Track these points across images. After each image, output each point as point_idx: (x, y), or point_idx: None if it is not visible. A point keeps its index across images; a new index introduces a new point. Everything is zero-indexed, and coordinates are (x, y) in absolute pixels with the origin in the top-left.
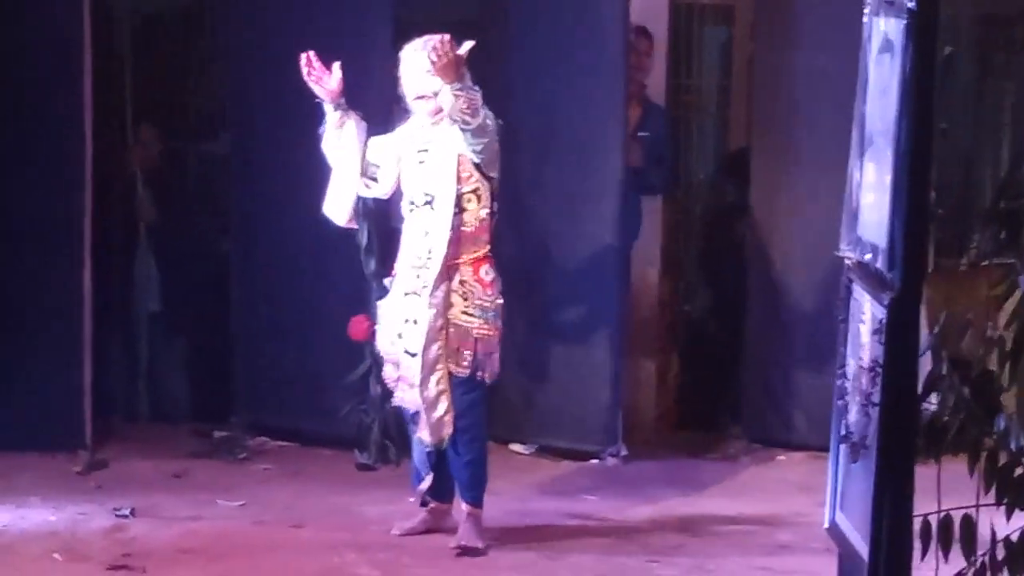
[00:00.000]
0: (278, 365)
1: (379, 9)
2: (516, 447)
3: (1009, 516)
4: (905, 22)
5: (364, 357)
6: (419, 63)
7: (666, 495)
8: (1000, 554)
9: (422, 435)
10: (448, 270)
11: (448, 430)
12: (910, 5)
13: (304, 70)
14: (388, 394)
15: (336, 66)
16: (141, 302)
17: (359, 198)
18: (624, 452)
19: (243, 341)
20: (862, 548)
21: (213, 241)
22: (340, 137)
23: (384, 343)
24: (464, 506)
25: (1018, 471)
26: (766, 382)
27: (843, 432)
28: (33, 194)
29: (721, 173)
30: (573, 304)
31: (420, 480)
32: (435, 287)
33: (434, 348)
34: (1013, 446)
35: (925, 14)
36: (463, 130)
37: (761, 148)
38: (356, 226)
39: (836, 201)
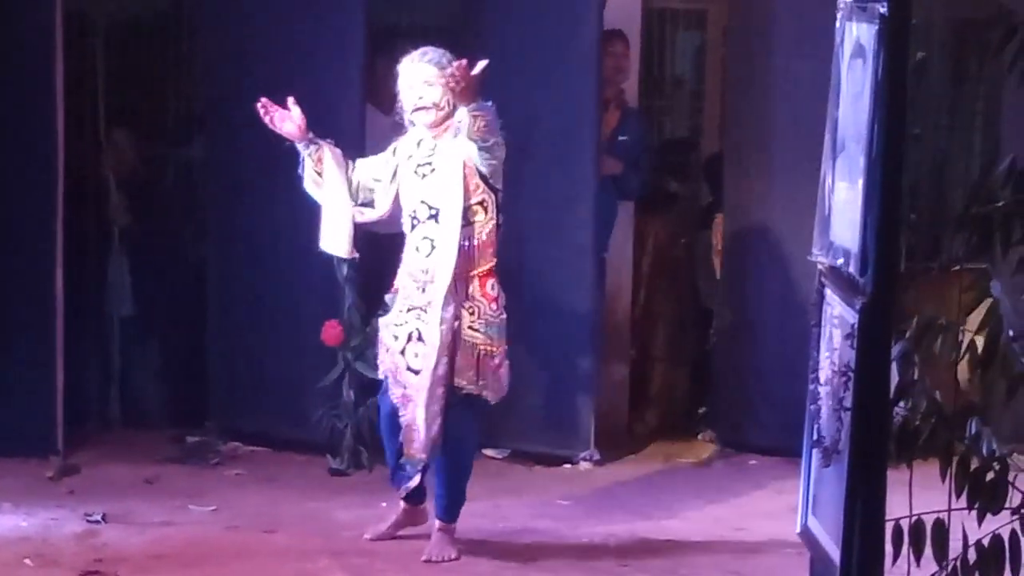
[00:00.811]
0: (251, 370)
1: (353, 15)
2: (489, 452)
3: (981, 520)
4: (877, 27)
5: (337, 362)
6: (417, 74)
7: (639, 500)
8: (972, 558)
9: (414, 451)
10: (456, 284)
11: (438, 445)
12: (882, 10)
13: (264, 118)
14: (361, 400)
15: (291, 101)
16: (114, 306)
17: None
18: (597, 457)
19: (216, 346)
20: (834, 552)
21: (188, 246)
22: (322, 172)
23: (386, 361)
24: (439, 521)
25: (989, 475)
26: (739, 387)
27: (815, 436)
28: (4, 198)
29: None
30: (548, 309)
31: (400, 478)
32: (446, 302)
33: (443, 364)
34: (984, 450)
35: (897, 19)
36: (480, 148)
37: (733, 153)
38: (358, 255)
39: (809, 206)
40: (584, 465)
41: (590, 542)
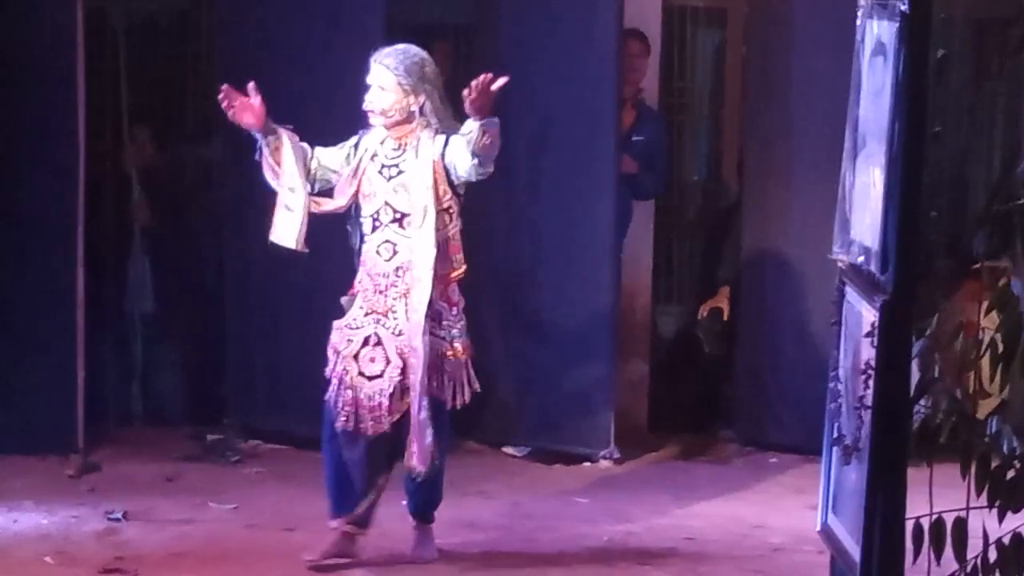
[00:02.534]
0: (271, 368)
1: (373, 13)
2: (509, 450)
3: (1001, 519)
4: (898, 25)
5: None
6: (374, 76)
7: (659, 498)
8: (992, 556)
9: (412, 464)
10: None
11: (431, 457)
12: (903, 8)
13: (223, 105)
14: None
15: (251, 88)
16: (135, 304)
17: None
18: (617, 455)
19: (236, 343)
20: (854, 550)
21: (207, 244)
22: (280, 162)
23: (336, 366)
24: (416, 522)
25: (1010, 474)
26: (759, 385)
27: (836, 435)
28: (27, 196)
29: (718, 174)
30: (566, 307)
31: (341, 502)
32: (414, 308)
33: (413, 373)
34: (1005, 449)
35: (918, 17)
36: (475, 157)
37: (754, 151)
38: (308, 250)
39: (829, 204)
40: (604, 463)
41: (610, 540)
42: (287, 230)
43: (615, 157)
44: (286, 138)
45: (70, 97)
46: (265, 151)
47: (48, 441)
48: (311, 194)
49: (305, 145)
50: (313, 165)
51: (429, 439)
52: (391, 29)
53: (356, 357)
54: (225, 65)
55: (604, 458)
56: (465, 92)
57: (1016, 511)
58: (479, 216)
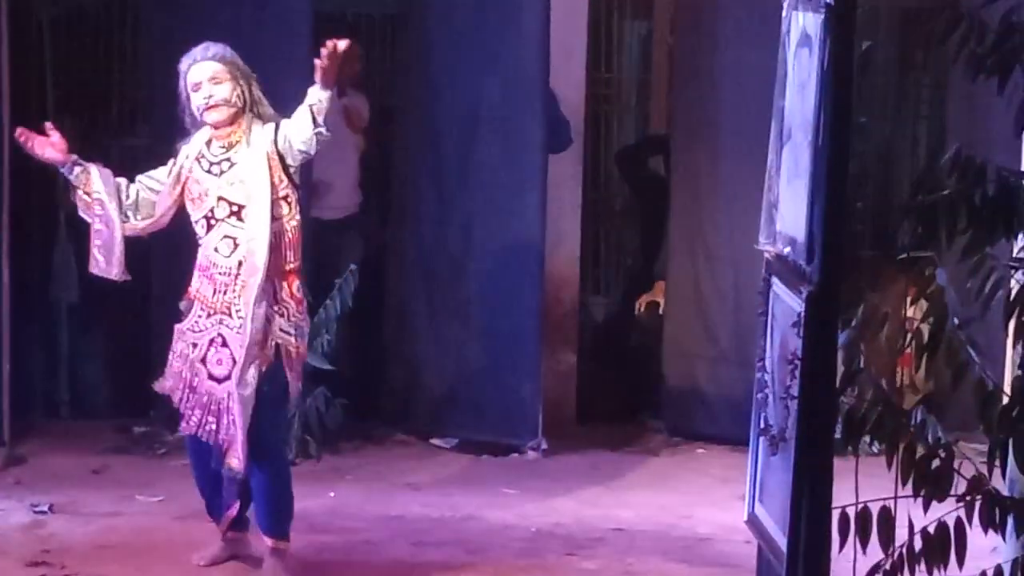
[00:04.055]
0: None
1: (298, 3)
2: (437, 441)
3: (927, 508)
4: (823, 16)
5: None
6: (203, 72)
7: (587, 489)
8: (918, 545)
9: (232, 463)
10: (265, 282)
11: (243, 454)
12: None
13: (22, 143)
14: (308, 389)
15: (48, 127)
16: (60, 293)
17: None
18: (545, 446)
19: (162, 334)
20: (781, 540)
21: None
22: (91, 194)
23: (181, 374)
24: (269, 541)
25: (935, 463)
26: (687, 374)
27: (762, 425)
28: None
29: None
30: (495, 297)
31: (214, 506)
32: (258, 302)
33: (252, 369)
34: (930, 438)
35: (843, 8)
36: (316, 133)
37: (681, 141)
38: (130, 277)
39: (756, 195)
40: (531, 454)
41: (538, 531)
42: (105, 262)
43: (543, 148)
44: (95, 170)
45: None
46: (74, 181)
47: None
48: (138, 220)
49: (121, 179)
50: (132, 193)
51: (241, 429)
52: (318, 19)
53: (204, 361)
54: (149, 55)
55: (532, 449)
56: (317, 60)
57: (941, 500)
58: (409, 206)
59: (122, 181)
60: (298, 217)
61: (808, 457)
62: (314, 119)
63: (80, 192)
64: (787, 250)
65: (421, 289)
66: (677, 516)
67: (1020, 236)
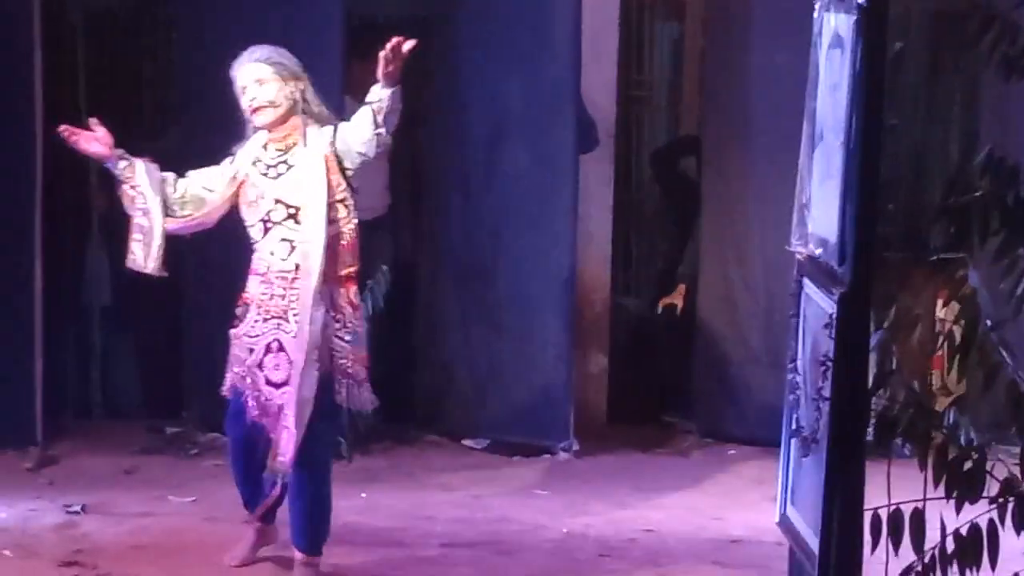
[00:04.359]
0: (228, 360)
1: (330, 6)
2: (468, 442)
3: (959, 509)
4: (855, 18)
5: None
6: (249, 75)
7: (618, 490)
8: (950, 547)
9: (277, 465)
10: (322, 287)
11: (290, 456)
12: (860, 1)
13: (67, 139)
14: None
15: (94, 122)
16: (93, 297)
17: None
18: (576, 447)
19: (194, 336)
20: (813, 541)
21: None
22: (136, 188)
23: (238, 377)
24: (298, 555)
25: (967, 465)
26: (719, 376)
27: (794, 426)
28: None
29: (674, 149)
30: (525, 298)
31: (255, 495)
32: (315, 306)
33: (311, 375)
34: (962, 440)
35: (875, 9)
36: (380, 127)
37: (712, 143)
38: (167, 274)
39: (788, 196)
40: (563, 455)
41: (569, 532)
42: (143, 257)
43: (574, 150)
44: (139, 163)
45: (27, 89)
46: (120, 176)
47: (6, 434)
48: (184, 215)
49: (168, 173)
50: (181, 187)
51: (295, 444)
52: (349, 22)
53: (260, 366)
54: (180, 59)
55: (563, 450)
56: (382, 57)
57: (973, 502)
58: (439, 208)
59: (169, 175)
60: (355, 221)
61: (840, 459)
62: (375, 119)
63: (126, 186)
64: (819, 251)
65: (452, 291)
66: (708, 518)
67: None
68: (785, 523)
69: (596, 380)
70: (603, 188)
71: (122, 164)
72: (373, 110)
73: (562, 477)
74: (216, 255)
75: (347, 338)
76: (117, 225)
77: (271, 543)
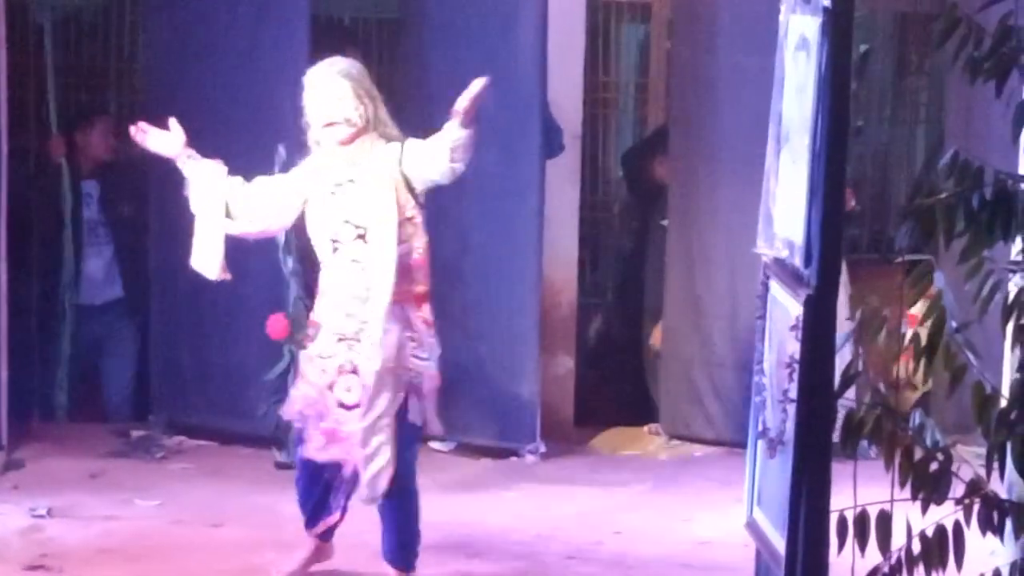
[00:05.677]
0: (196, 364)
1: (297, 6)
2: (435, 444)
3: (925, 510)
4: (821, 20)
5: (283, 355)
6: (328, 88)
7: (585, 492)
8: (916, 548)
9: (368, 498)
10: (395, 307)
11: (385, 485)
12: (826, 3)
13: (140, 139)
14: None
15: (172, 122)
16: (62, 297)
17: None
18: (543, 449)
19: (161, 339)
20: (779, 543)
21: (132, 238)
22: (205, 187)
23: (309, 398)
24: (393, 572)
25: (933, 466)
26: (685, 378)
27: (761, 428)
28: None
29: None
30: (493, 301)
31: (318, 514)
32: (387, 328)
33: (384, 397)
34: (928, 441)
35: (841, 12)
36: (453, 168)
37: (678, 145)
38: (229, 276)
39: (754, 199)
40: (530, 458)
41: (537, 534)
42: (206, 258)
43: (540, 153)
44: (206, 164)
45: None
46: (188, 176)
47: None
48: (246, 221)
49: (236, 177)
50: (247, 193)
51: (377, 467)
52: (316, 23)
53: (331, 387)
54: (148, 61)
55: (531, 452)
56: (462, 103)
57: (939, 503)
58: None
59: (236, 179)
60: (425, 239)
61: (806, 460)
62: (452, 155)
63: (195, 186)
64: (785, 253)
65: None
66: (676, 519)
67: (1018, 239)
68: (752, 524)
69: (563, 382)
70: (570, 190)
71: (189, 164)
72: (450, 145)
73: (530, 479)
74: (183, 258)
75: (423, 355)
76: (90, 226)
77: (326, 559)
